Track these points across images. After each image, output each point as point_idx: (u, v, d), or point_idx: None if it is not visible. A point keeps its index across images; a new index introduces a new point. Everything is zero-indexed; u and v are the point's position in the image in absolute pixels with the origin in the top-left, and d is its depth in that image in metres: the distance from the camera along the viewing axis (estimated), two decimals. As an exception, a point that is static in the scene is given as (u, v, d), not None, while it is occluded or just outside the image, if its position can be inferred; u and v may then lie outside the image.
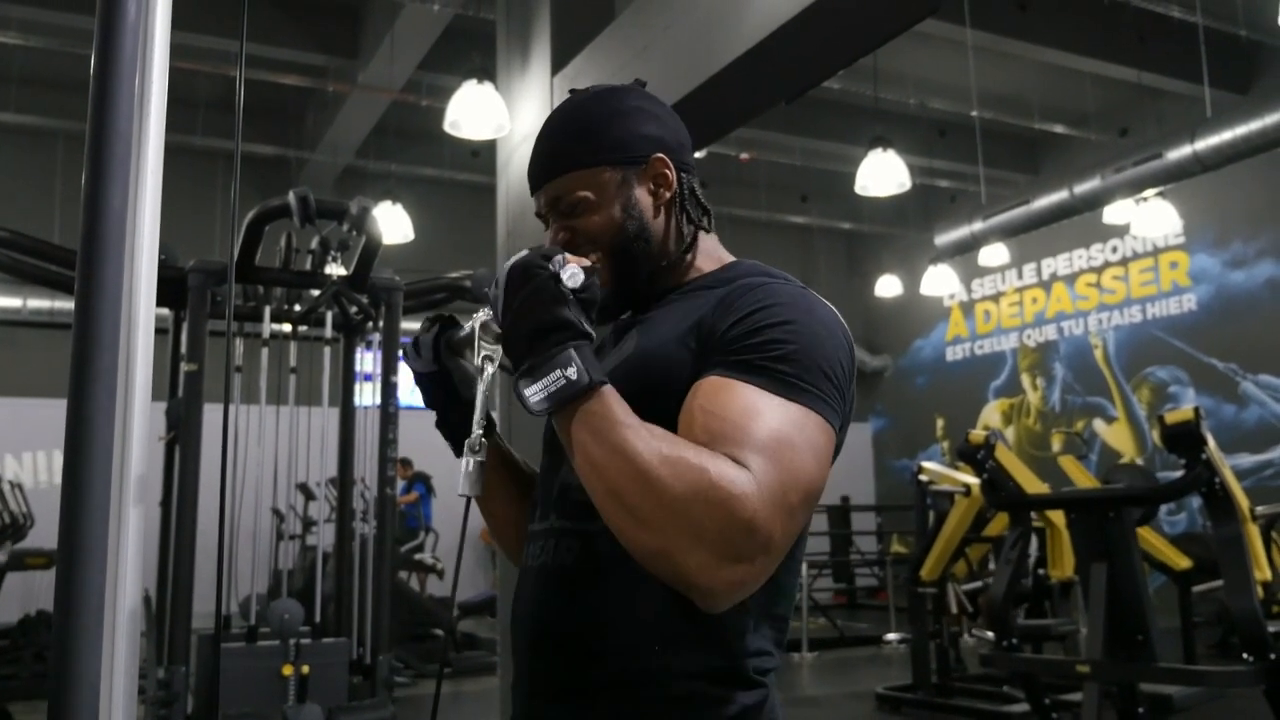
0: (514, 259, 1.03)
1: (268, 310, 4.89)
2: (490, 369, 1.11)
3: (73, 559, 0.73)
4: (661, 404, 1.04)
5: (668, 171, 1.20)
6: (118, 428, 0.77)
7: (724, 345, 1.04)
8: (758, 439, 0.96)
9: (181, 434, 4.40)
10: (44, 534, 7.25)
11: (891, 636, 8.77)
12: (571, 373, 0.96)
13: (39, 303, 9.71)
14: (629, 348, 1.15)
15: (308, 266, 4.91)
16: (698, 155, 1.30)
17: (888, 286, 12.10)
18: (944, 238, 10.40)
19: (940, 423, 13.49)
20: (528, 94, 5.45)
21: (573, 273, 1.01)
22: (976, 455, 4.83)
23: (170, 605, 4.30)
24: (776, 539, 0.95)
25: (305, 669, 4.25)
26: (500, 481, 1.31)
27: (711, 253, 1.24)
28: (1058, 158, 11.58)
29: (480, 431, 1.09)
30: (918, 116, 10.49)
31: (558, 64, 5.17)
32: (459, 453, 1.12)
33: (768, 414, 0.98)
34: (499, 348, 1.09)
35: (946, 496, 6.37)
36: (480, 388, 1.11)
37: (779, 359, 1.01)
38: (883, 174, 7.00)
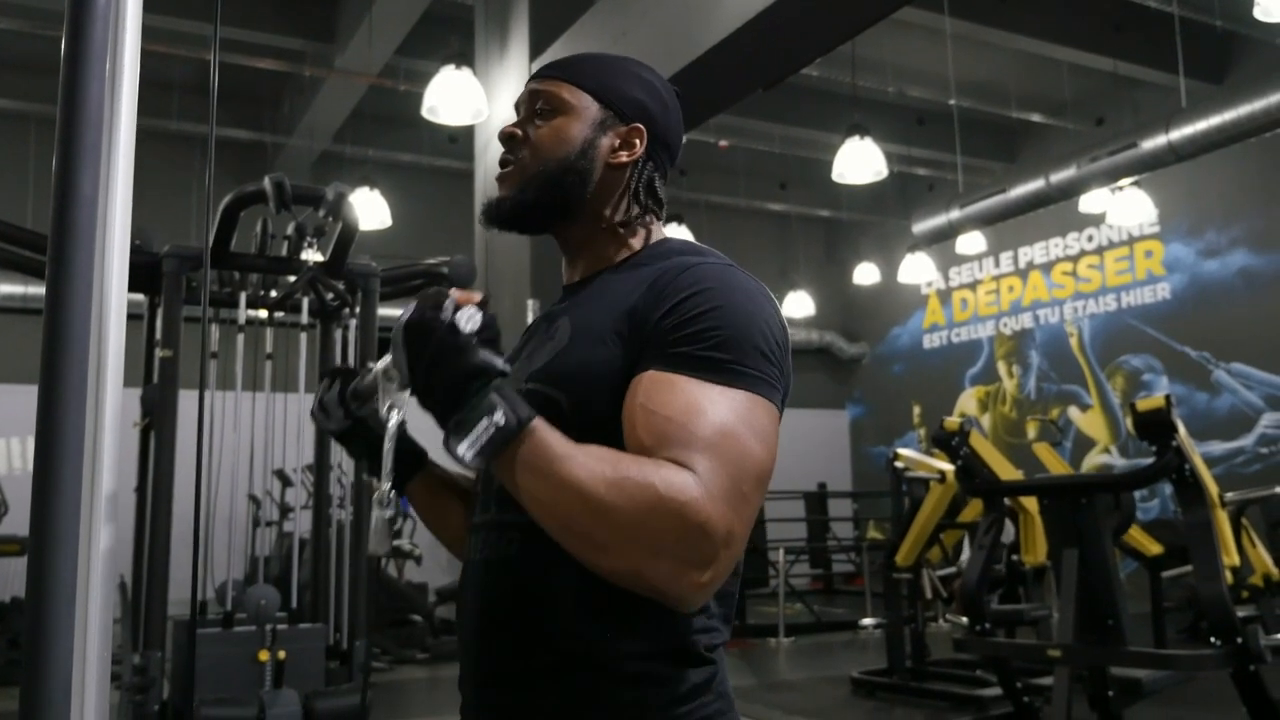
0: (405, 316, 0.99)
1: (243, 296, 4.86)
2: (396, 416, 1.07)
3: (44, 546, 0.73)
4: (597, 395, 1.05)
5: (638, 142, 1.21)
6: (89, 414, 0.77)
7: (659, 337, 1.04)
8: (702, 436, 0.97)
9: (156, 420, 4.37)
10: (17, 521, 7.21)
11: (867, 621, 8.82)
12: (499, 418, 0.93)
13: (11, 288, 9.61)
14: (562, 337, 1.14)
15: (284, 252, 4.88)
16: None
17: (865, 274, 12.14)
18: (921, 225, 10.43)
19: (917, 410, 13.57)
20: (506, 80, 5.43)
21: (469, 315, 0.97)
22: (952, 442, 4.87)
23: (146, 591, 4.29)
24: (736, 532, 0.96)
25: (282, 654, 4.24)
26: (449, 509, 1.32)
27: (645, 232, 1.24)
28: (1034, 146, 11.63)
29: (388, 485, 1.06)
30: (896, 104, 10.50)
31: (536, 50, 5.15)
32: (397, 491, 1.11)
33: (709, 407, 0.99)
34: (404, 394, 1.04)
35: (922, 483, 6.41)
36: (386, 440, 1.08)
37: (715, 345, 1.02)
38: (860, 162, 7.01)
